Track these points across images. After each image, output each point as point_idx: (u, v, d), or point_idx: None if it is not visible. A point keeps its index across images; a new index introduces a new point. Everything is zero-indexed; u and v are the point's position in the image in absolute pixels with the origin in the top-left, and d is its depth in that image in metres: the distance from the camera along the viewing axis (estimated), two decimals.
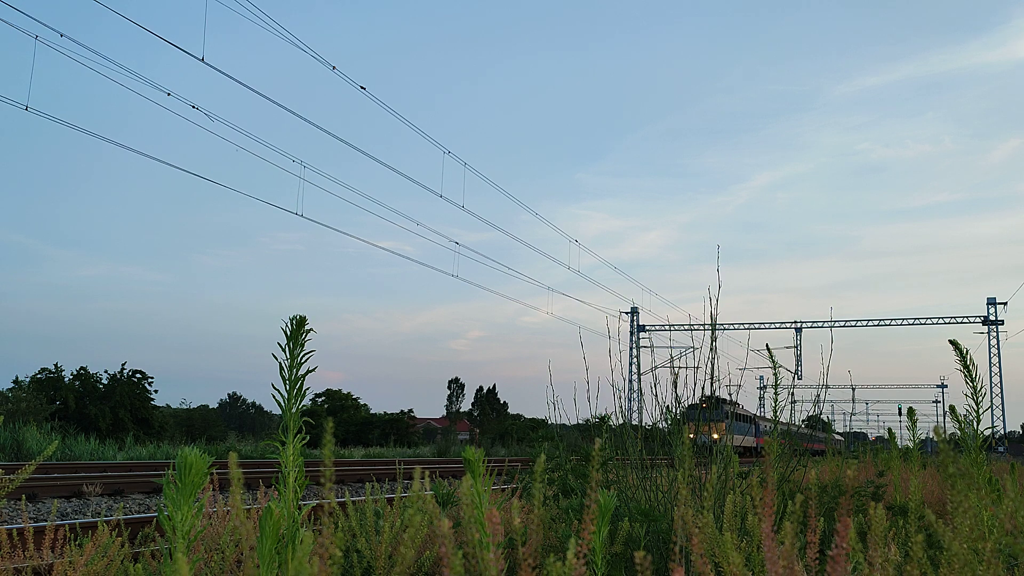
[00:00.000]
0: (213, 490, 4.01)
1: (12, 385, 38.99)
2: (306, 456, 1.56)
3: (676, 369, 3.63)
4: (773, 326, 51.16)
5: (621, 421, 3.87)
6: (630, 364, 48.73)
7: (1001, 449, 41.15)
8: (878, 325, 48.74)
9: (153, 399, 46.10)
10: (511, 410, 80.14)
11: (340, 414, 64.14)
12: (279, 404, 1.49)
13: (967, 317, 47.45)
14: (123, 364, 48.01)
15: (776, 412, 3.40)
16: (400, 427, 64.62)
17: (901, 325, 48.79)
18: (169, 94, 14.83)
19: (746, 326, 50.89)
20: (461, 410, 77.69)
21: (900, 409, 67.86)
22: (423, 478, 2.12)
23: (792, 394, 4.22)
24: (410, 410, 69.90)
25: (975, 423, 2.29)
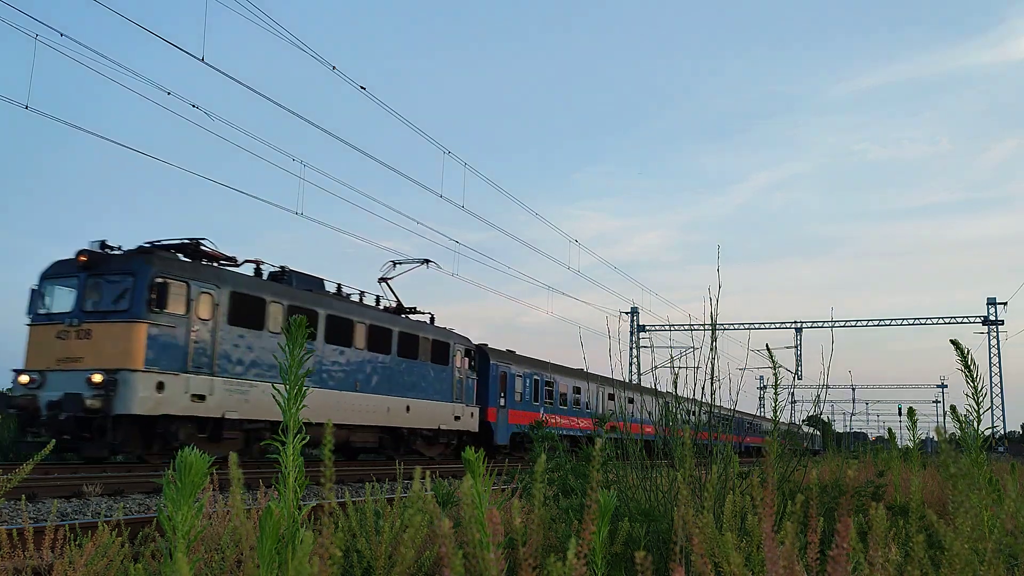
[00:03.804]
0: (213, 490, 4.01)
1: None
2: (306, 456, 1.56)
3: (676, 369, 3.63)
4: (773, 326, 51.13)
5: (621, 420, 3.86)
6: (630, 364, 48.71)
7: (1001, 449, 41.13)
8: (878, 325, 48.73)
9: None
10: None
11: None
12: (279, 404, 1.49)
13: (967, 317, 47.46)
14: None
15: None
16: None
17: (901, 325, 48.79)
18: (169, 94, 14.77)
19: (746, 326, 50.86)
20: None
21: (900, 409, 67.86)
22: (423, 478, 2.12)
23: (792, 394, 4.22)
24: None
25: (975, 423, 2.28)
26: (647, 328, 52.54)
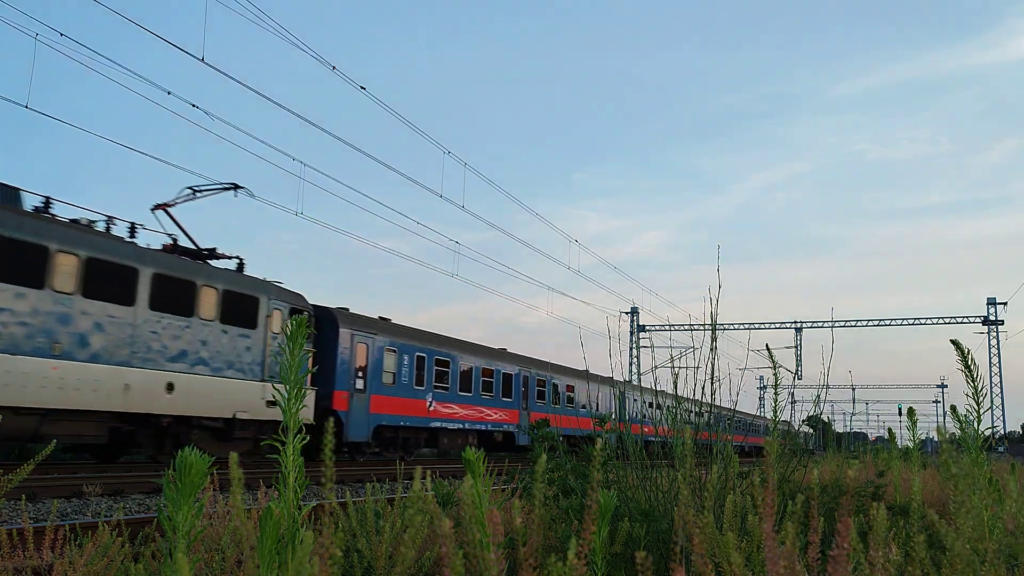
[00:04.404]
0: (213, 490, 4.01)
1: None
2: (306, 456, 1.56)
3: (676, 369, 3.63)
4: (773, 326, 51.12)
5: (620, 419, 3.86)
6: (630, 364, 48.69)
7: (1001, 449, 41.12)
8: (878, 325, 48.72)
9: None
10: None
11: None
12: (279, 404, 1.49)
13: (967, 317, 47.45)
14: None
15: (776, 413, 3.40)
16: None
17: (901, 325, 48.79)
18: (169, 93, 14.76)
19: (746, 326, 50.84)
20: None
21: (900, 409, 67.90)
22: (423, 478, 2.12)
23: (792, 394, 4.22)
24: None
25: (975, 423, 2.28)
26: (647, 328, 52.54)
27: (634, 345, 51.70)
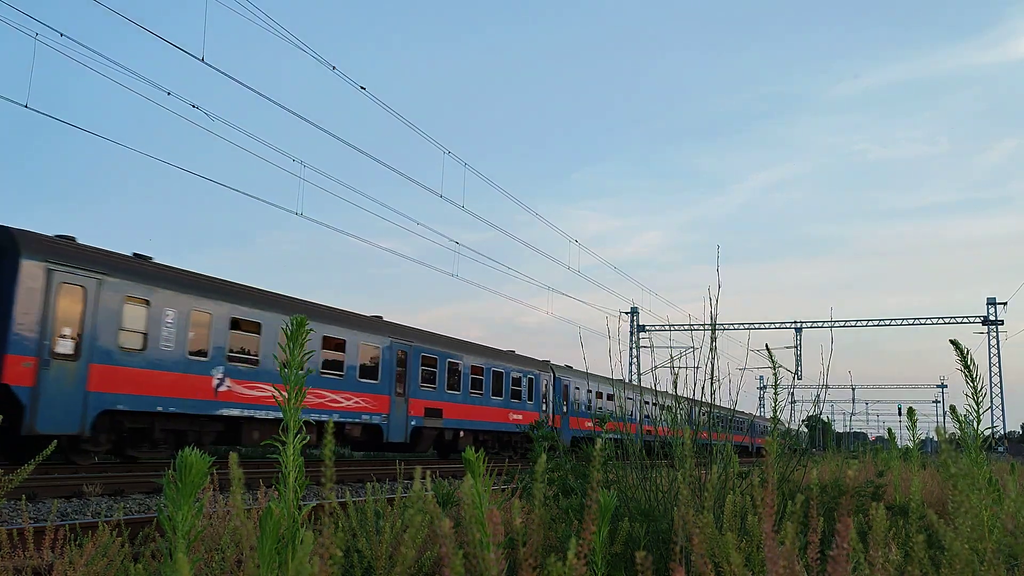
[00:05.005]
0: (213, 490, 4.01)
1: None
2: (307, 456, 1.56)
3: (676, 369, 3.63)
4: (773, 326, 51.10)
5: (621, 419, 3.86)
6: (630, 364, 48.67)
7: (1001, 449, 41.13)
8: (878, 325, 48.71)
9: None
10: None
11: None
12: (279, 404, 1.49)
13: (967, 317, 47.44)
14: None
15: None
16: None
17: (901, 325, 48.78)
18: (169, 94, 14.75)
19: (746, 326, 50.81)
20: None
21: (900, 409, 67.93)
22: (423, 478, 2.12)
23: (792, 394, 4.22)
24: None
25: (975, 423, 2.28)
26: (647, 328, 52.53)
27: (634, 345, 51.70)
